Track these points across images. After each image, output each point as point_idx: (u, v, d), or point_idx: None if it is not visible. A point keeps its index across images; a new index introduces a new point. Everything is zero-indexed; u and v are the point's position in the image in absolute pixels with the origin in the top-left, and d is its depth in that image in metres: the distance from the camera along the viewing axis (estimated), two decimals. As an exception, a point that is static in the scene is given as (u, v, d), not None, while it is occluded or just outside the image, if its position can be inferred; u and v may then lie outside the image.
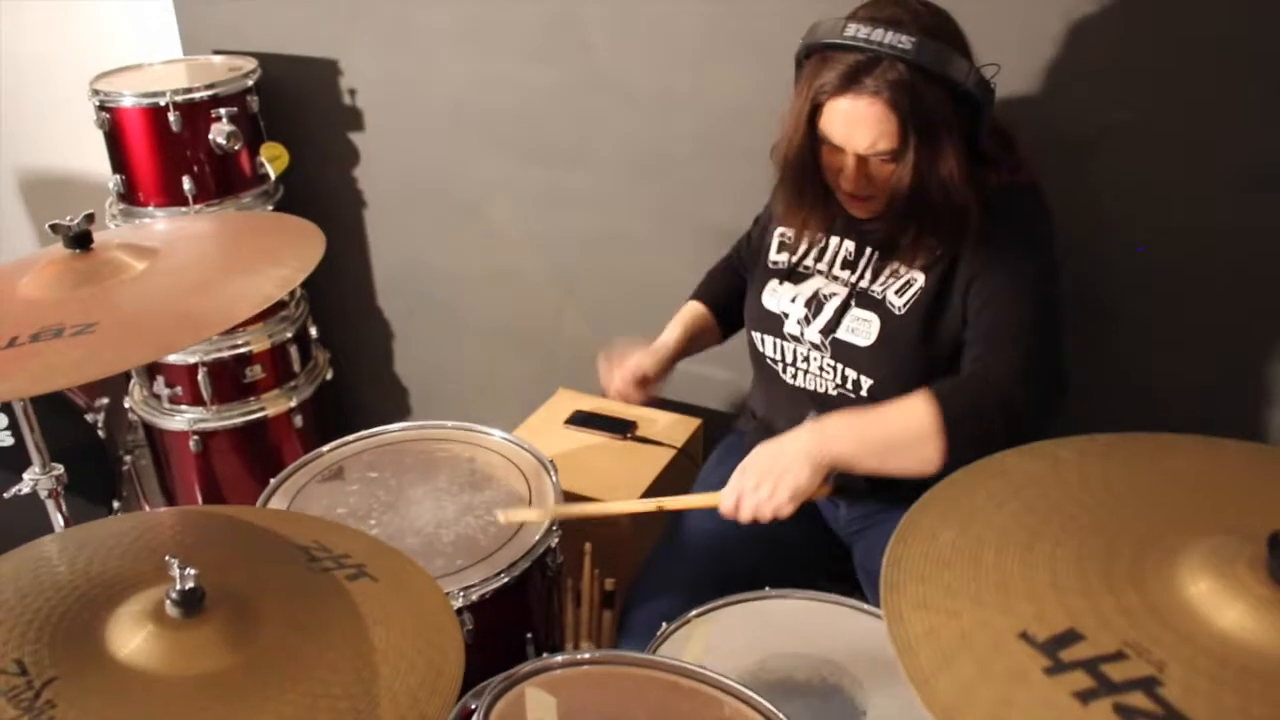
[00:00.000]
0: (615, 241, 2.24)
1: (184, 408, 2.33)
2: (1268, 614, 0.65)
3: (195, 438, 2.33)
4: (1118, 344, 1.82)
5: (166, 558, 1.10)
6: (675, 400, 2.26)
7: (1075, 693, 0.60)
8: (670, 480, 2.03)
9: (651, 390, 1.74)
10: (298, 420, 2.42)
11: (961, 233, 1.43)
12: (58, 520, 1.49)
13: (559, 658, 1.05)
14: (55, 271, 1.22)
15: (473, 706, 0.96)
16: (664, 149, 2.10)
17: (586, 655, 1.06)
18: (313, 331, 2.48)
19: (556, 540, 1.62)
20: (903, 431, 1.40)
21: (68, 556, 1.33)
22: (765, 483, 1.41)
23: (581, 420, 2.18)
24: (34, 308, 1.17)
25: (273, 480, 1.71)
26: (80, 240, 1.23)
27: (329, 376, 2.55)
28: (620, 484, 1.97)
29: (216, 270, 1.25)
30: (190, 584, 1.09)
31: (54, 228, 1.22)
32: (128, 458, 2.46)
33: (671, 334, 1.79)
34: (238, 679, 1.08)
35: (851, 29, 1.34)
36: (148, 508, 2.48)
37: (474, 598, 1.50)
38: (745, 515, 1.43)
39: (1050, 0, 1.66)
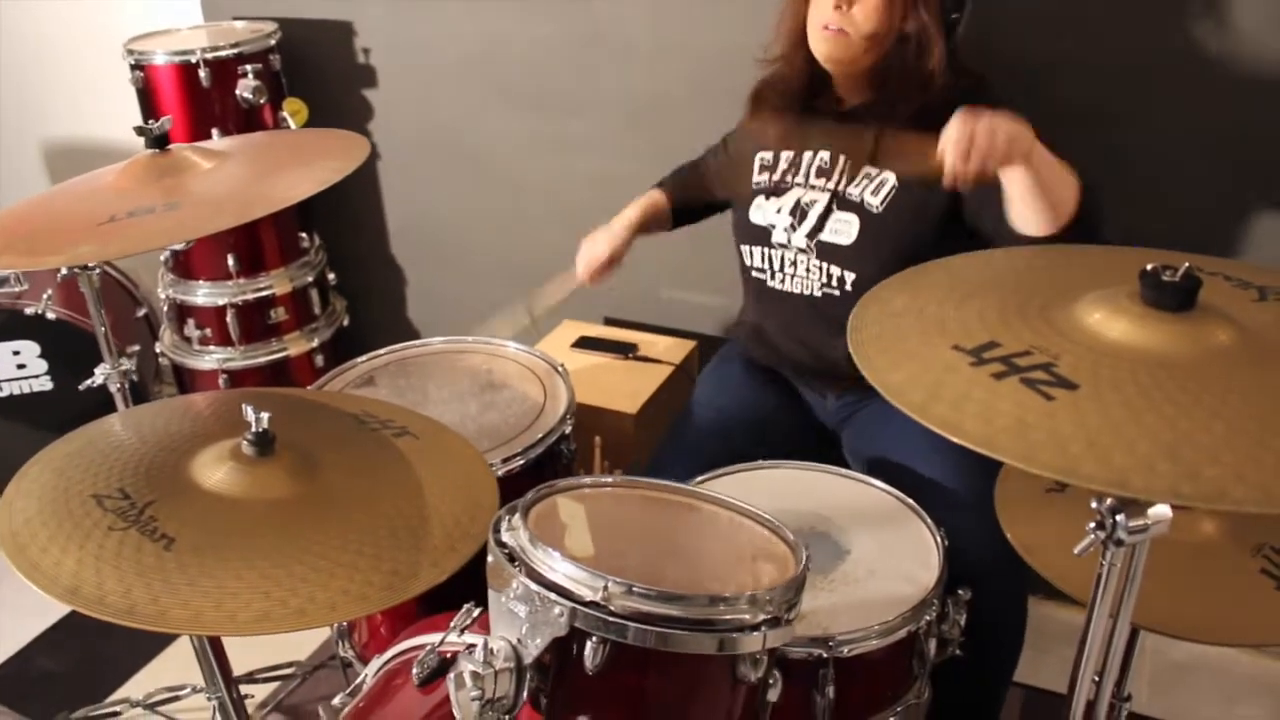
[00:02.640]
0: (616, 184, 2.40)
1: (213, 348, 2.50)
2: (1142, 325, 0.84)
3: (224, 376, 2.49)
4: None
5: (243, 405, 1.28)
6: (672, 327, 2.44)
7: (992, 374, 0.79)
8: (669, 393, 2.21)
9: (613, 268, 1.93)
10: (319, 360, 2.59)
11: (923, 93, 1.58)
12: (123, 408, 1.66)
13: (588, 478, 1.22)
14: (139, 167, 1.40)
15: (509, 512, 1.13)
16: (659, 94, 2.27)
17: (610, 478, 1.23)
18: (331, 278, 2.65)
19: (570, 428, 1.79)
20: (1064, 172, 1.44)
21: (135, 429, 1.50)
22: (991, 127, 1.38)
23: (587, 344, 2.35)
24: (125, 194, 1.34)
25: (310, 387, 1.88)
26: (160, 141, 1.41)
27: (345, 323, 2.72)
28: (623, 394, 2.15)
29: (276, 165, 1.42)
30: (264, 426, 1.27)
31: (139, 129, 1.40)
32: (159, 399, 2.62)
33: (629, 215, 1.98)
34: (307, 505, 1.26)
35: None
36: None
37: (501, 473, 1.67)
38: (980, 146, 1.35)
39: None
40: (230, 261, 2.41)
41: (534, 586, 1.01)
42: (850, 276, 1.70)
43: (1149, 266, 0.85)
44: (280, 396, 1.54)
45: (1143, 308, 0.85)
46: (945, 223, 1.65)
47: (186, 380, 2.58)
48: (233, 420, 1.33)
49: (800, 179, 1.76)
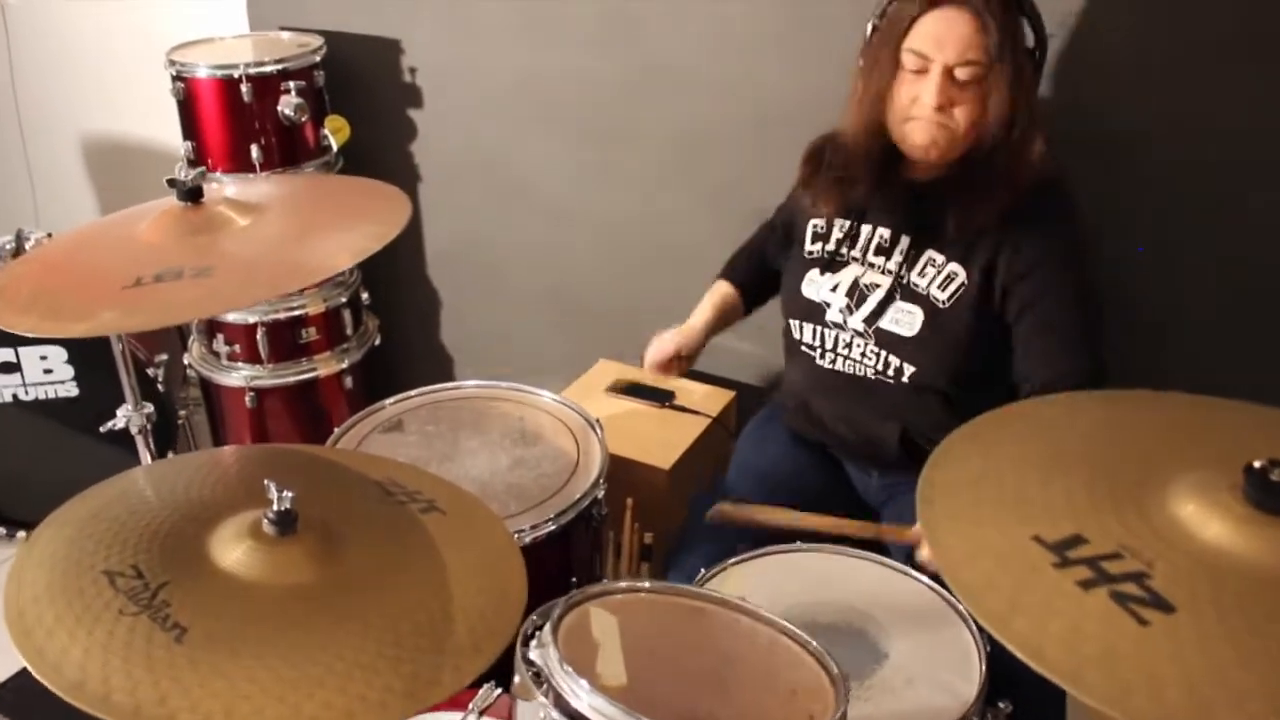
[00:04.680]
0: (660, 220, 2.35)
1: (241, 365, 2.45)
2: (1243, 529, 0.77)
3: (251, 394, 2.45)
4: (1118, 343, 1.91)
5: (265, 481, 1.22)
6: (710, 373, 2.37)
7: (1078, 582, 0.73)
8: (704, 448, 2.14)
9: (684, 366, 1.87)
10: (348, 381, 2.54)
11: (999, 201, 1.50)
12: (146, 456, 1.61)
13: (622, 583, 1.16)
14: (170, 221, 1.35)
15: (539, 620, 1.07)
16: (709, 130, 2.20)
17: (646, 584, 1.17)
18: (364, 297, 2.60)
19: (603, 493, 1.73)
20: None
21: (157, 486, 1.45)
22: None
23: (622, 388, 2.29)
24: (154, 252, 1.29)
25: (337, 429, 1.83)
26: (193, 194, 1.35)
27: (378, 342, 2.66)
28: (658, 447, 2.09)
29: (315, 225, 1.36)
30: (286, 505, 1.21)
31: (170, 182, 1.34)
32: (182, 412, 2.58)
33: (701, 315, 1.91)
34: (327, 592, 1.20)
35: None
36: (202, 460, 2.60)
37: (524, 541, 1.61)
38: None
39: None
40: (263, 280, 2.36)
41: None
42: (910, 369, 1.62)
43: (1256, 464, 0.78)
44: (305, 458, 1.48)
45: (1246, 508, 0.78)
46: (1002, 322, 1.58)
47: (213, 394, 2.54)
48: (258, 483, 1.28)
49: (858, 254, 1.68)
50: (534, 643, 1.03)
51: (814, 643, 1.14)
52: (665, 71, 2.19)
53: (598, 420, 1.86)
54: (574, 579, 1.72)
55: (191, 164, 2.32)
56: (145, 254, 1.28)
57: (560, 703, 0.97)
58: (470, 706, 1.43)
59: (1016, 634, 0.69)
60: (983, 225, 1.53)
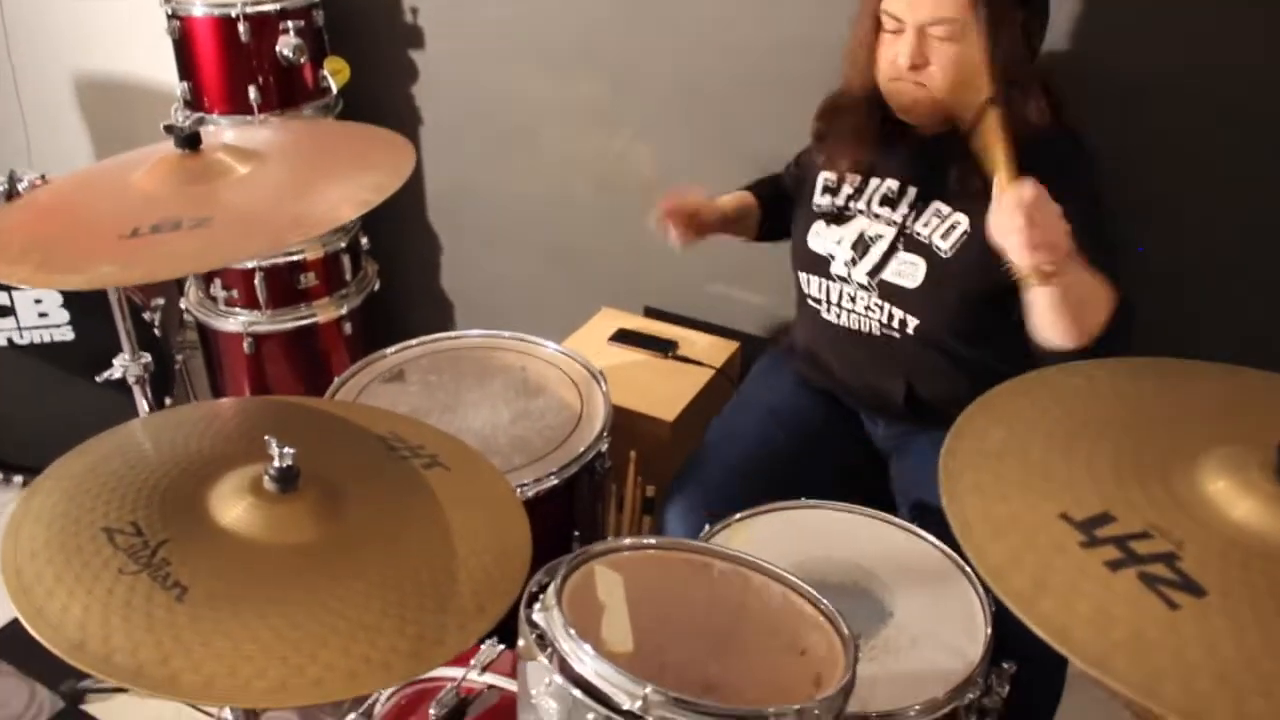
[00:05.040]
0: (663, 167, 2.30)
1: (239, 310, 2.42)
2: (1273, 506, 0.75)
3: (249, 339, 2.42)
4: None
5: (266, 437, 1.20)
6: (715, 324, 2.35)
7: (1106, 562, 0.71)
8: (708, 400, 2.12)
9: (693, 227, 1.75)
10: (347, 328, 2.51)
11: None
12: (143, 405, 1.59)
13: (627, 540, 1.14)
14: (167, 169, 1.31)
15: (543, 580, 1.05)
16: (716, 78, 2.15)
17: (652, 540, 1.15)
18: (364, 242, 2.56)
19: (606, 446, 1.72)
20: (1097, 290, 1.36)
21: (155, 439, 1.43)
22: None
23: (625, 338, 2.26)
24: (150, 202, 1.25)
25: (337, 379, 1.81)
26: (191, 141, 1.31)
27: (377, 287, 2.63)
28: (661, 399, 2.07)
29: (316, 174, 1.33)
30: (288, 462, 1.19)
31: (168, 128, 1.30)
32: (179, 357, 2.56)
33: (725, 199, 1.85)
34: (329, 550, 1.19)
35: None
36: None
37: (527, 495, 1.60)
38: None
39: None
40: (261, 224, 2.32)
41: (569, 687, 0.94)
42: (913, 321, 1.60)
43: None
44: (306, 411, 1.46)
45: (1277, 487, 0.76)
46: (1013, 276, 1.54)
47: (210, 339, 2.51)
48: (258, 437, 1.26)
49: (864, 205, 1.65)
50: (538, 604, 1.02)
51: (824, 601, 1.13)
52: (672, 18, 2.13)
53: (601, 371, 1.84)
54: (576, 532, 1.72)
55: (188, 105, 2.26)
56: (142, 203, 1.24)
57: (565, 667, 0.96)
58: (472, 663, 1.43)
59: (1042, 615, 0.67)
60: (984, 179, 1.49)
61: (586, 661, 0.95)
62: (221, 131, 1.43)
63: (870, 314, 1.64)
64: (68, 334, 2.41)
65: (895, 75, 1.51)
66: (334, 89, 2.32)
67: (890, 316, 1.62)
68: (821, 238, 1.68)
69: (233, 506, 1.19)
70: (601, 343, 2.26)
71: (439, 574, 1.18)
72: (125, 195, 1.27)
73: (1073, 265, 1.28)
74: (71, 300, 2.37)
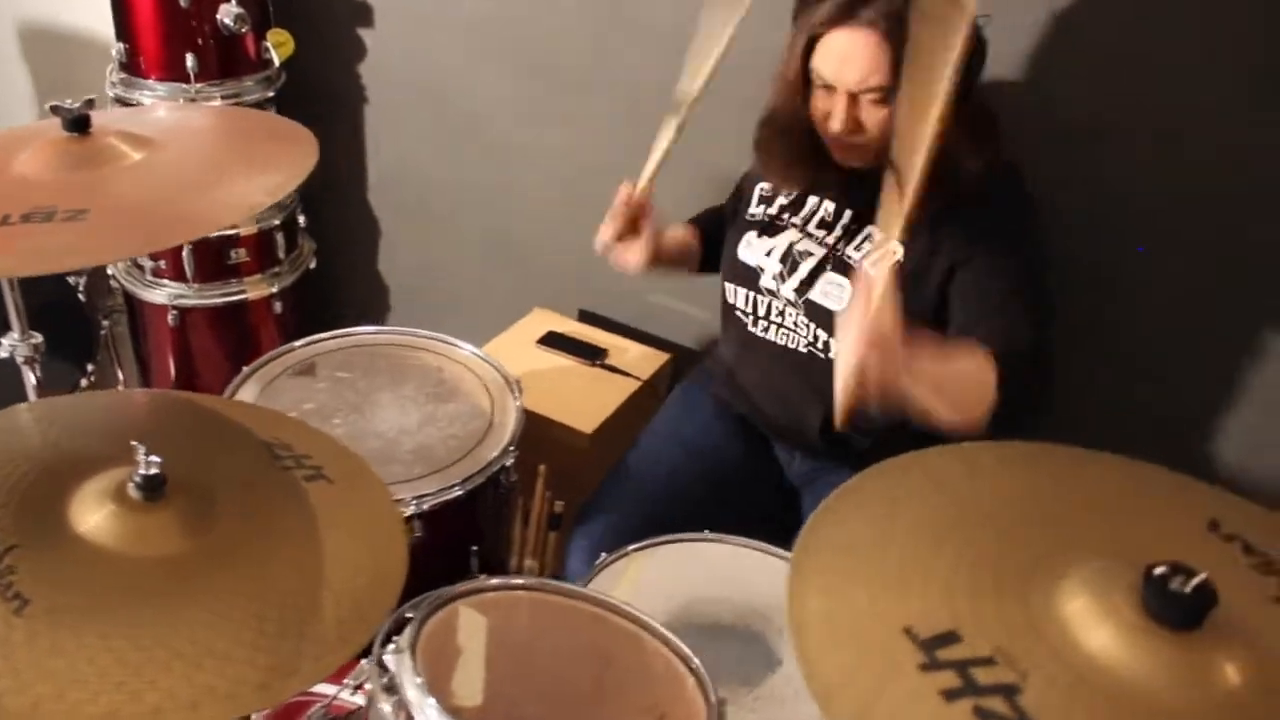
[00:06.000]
0: (609, 171, 2.23)
1: (166, 282, 2.35)
2: (1132, 639, 0.70)
3: (174, 312, 2.35)
4: (1111, 342, 1.85)
5: (133, 442, 1.15)
6: (648, 333, 2.31)
7: (942, 690, 0.66)
8: (632, 412, 2.09)
9: (637, 238, 1.67)
10: (277, 306, 2.45)
11: (937, 195, 1.44)
12: (30, 386, 1.53)
13: (494, 580, 1.10)
14: (52, 152, 1.24)
15: (408, 616, 1.02)
16: (668, 85, 2.10)
17: (520, 580, 1.12)
18: (301, 220, 2.49)
19: (512, 460, 1.68)
20: (970, 372, 1.35)
21: (40, 427, 1.38)
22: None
23: (554, 341, 2.22)
24: (27, 187, 1.19)
25: (245, 368, 1.75)
26: (79, 124, 1.24)
27: (312, 265, 2.56)
28: (583, 409, 2.03)
29: (210, 169, 1.27)
30: (153, 470, 1.14)
31: (54, 109, 1.24)
32: (105, 322, 2.49)
33: (672, 229, 1.81)
34: (190, 565, 1.14)
35: None
36: (120, 374, 2.52)
37: (425, 506, 1.56)
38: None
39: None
40: (191, 195, 2.25)
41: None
42: (835, 344, 1.57)
43: (1157, 570, 0.71)
44: (193, 410, 1.41)
45: (1139, 616, 0.71)
46: (942, 306, 1.52)
47: (136, 309, 2.44)
48: (140, 434, 1.20)
49: (798, 221, 1.62)
50: (392, 644, 0.98)
51: (695, 660, 1.10)
52: (631, 21, 2.08)
53: (518, 381, 1.79)
54: (474, 547, 1.68)
55: (124, 68, 2.19)
56: (19, 188, 1.18)
57: (410, 718, 0.92)
58: (346, 681, 1.39)
59: None
60: (918, 218, 1.47)
61: (430, 715, 0.91)
62: (120, 114, 1.36)
63: (797, 331, 1.62)
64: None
65: (828, 129, 1.49)
66: (276, 61, 2.25)
67: (815, 337, 1.59)
68: (752, 248, 1.65)
69: (93, 513, 1.14)
70: (529, 344, 2.22)
71: (303, 599, 1.13)
72: (3, 178, 1.21)
73: (918, 369, 1.23)
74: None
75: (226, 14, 2.11)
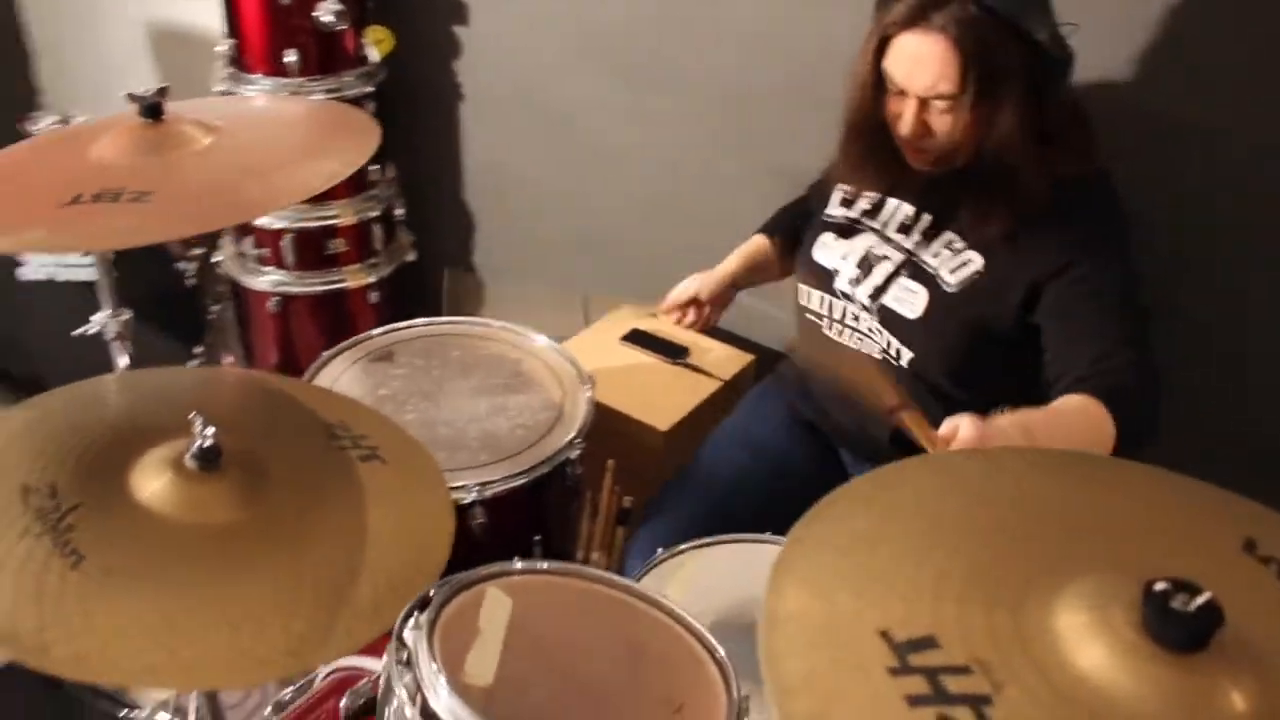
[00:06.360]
0: (694, 170, 2.25)
1: (269, 269, 2.44)
2: (1127, 659, 0.65)
3: (275, 299, 2.44)
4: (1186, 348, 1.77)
5: (191, 414, 1.20)
6: (735, 334, 2.29)
7: (908, 696, 0.63)
8: (710, 412, 2.07)
9: (706, 314, 1.79)
10: (373, 296, 2.52)
11: (1017, 206, 1.40)
12: (121, 362, 1.61)
13: (519, 564, 1.11)
14: (126, 137, 1.31)
15: (430, 596, 1.03)
16: (752, 86, 2.09)
17: (546, 565, 1.12)
18: (399, 213, 2.56)
19: (577, 454, 1.68)
20: (1085, 430, 1.29)
21: (120, 397, 1.44)
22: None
23: (637, 339, 2.22)
24: (101, 170, 1.25)
25: (325, 353, 1.80)
26: (152, 111, 1.31)
27: (410, 258, 2.63)
28: (660, 406, 2.02)
29: (271, 155, 1.31)
30: (209, 442, 1.18)
31: (131, 96, 1.30)
32: (215, 308, 2.60)
33: (729, 263, 1.83)
34: (239, 535, 1.17)
35: None
36: (228, 357, 2.63)
37: (488, 494, 1.57)
38: None
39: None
40: (293, 186, 2.33)
41: (417, 714, 0.92)
42: (908, 354, 1.53)
43: (1159, 585, 0.65)
44: (262, 388, 1.45)
45: (1138, 635, 0.66)
46: (1023, 324, 1.45)
47: (241, 295, 2.54)
48: (208, 408, 1.25)
49: (877, 225, 1.58)
50: (412, 621, 0.99)
51: (721, 650, 1.08)
52: (718, 21, 2.08)
53: (591, 375, 1.80)
54: (537, 537, 1.69)
55: (232, 63, 2.28)
56: (94, 170, 1.24)
57: (420, 693, 0.93)
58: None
59: None
60: (1000, 228, 1.42)
61: (439, 693, 0.92)
62: (196, 103, 1.42)
63: (870, 336, 1.58)
64: (91, 275, 2.46)
65: (899, 135, 1.46)
66: (374, 58, 2.31)
67: (888, 344, 1.55)
68: (828, 250, 1.62)
69: (152, 480, 1.19)
70: (613, 341, 2.22)
71: (342, 574, 1.16)
72: (82, 160, 1.28)
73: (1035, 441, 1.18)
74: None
75: (325, 11, 2.18)
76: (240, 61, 2.27)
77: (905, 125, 1.43)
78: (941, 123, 1.40)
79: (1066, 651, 0.64)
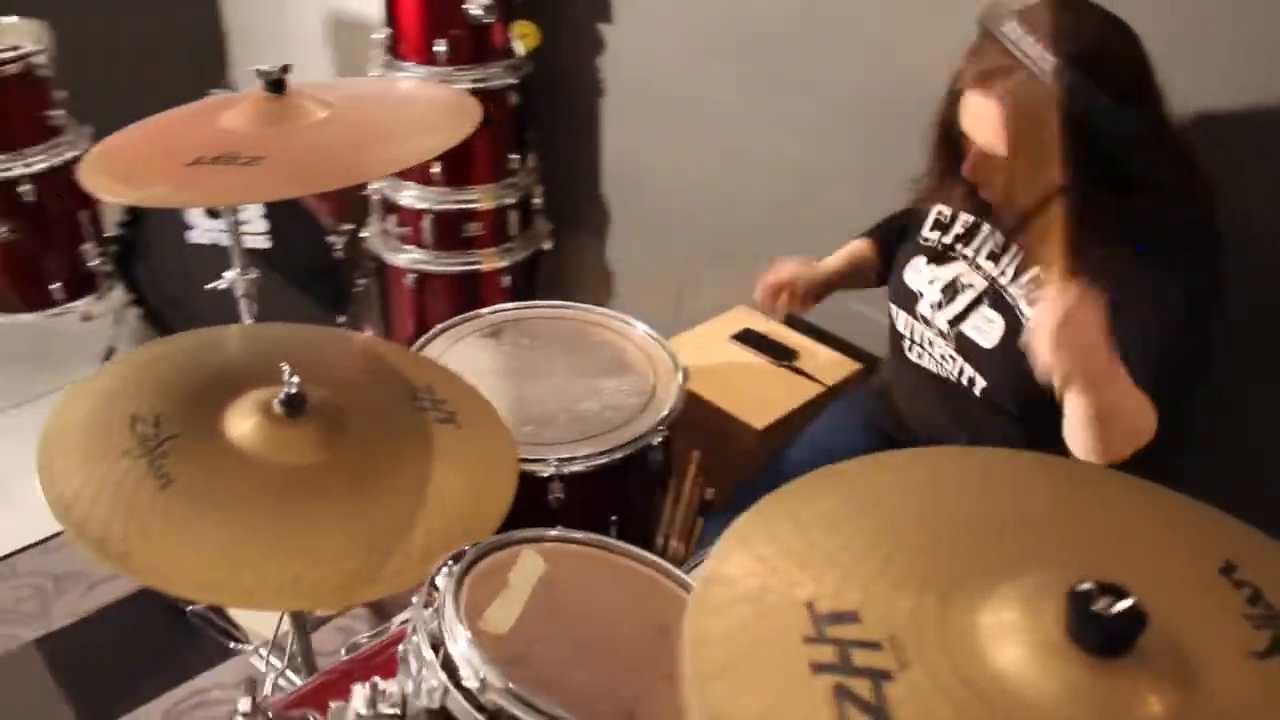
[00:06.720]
0: (822, 176, 2.25)
1: (409, 247, 2.58)
2: (1044, 657, 0.64)
3: (412, 275, 2.58)
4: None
5: (281, 364, 1.30)
6: (846, 340, 2.28)
7: (814, 663, 0.64)
8: (810, 414, 2.07)
9: (795, 305, 1.77)
10: (505, 280, 2.62)
11: (1101, 247, 1.36)
12: (246, 317, 1.75)
13: (553, 531, 1.16)
14: (252, 108, 1.44)
15: (467, 548, 1.09)
16: (886, 94, 2.07)
17: (580, 536, 1.16)
18: (536, 201, 2.65)
19: (659, 440, 1.72)
20: (1136, 414, 1.26)
21: (240, 345, 1.58)
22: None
23: (748, 338, 2.25)
24: (225, 135, 1.38)
25: (438, 325, 1.91)
26: (276, 85, 1.43)
27: (547, 246, 2.73)
28: (758, 405, 2.04)
29: (374, 130, 1.41)
30: (294, 390, 1.29)
31: (258, 72, 1.43)
32: (360, 280, 2.76)
33: (831, 260, 1.83)
34: (312, 477, 1.28)
35: (1009, 26, 1.29)
36: (368, 328, 2.80)
37: (566, 470, 1.63)
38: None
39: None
40: (435, 169, 2.46)
41: (426, 652, 0.98)
42: (981, 382, 1.50)
43: (1082, 586, 0.64)
44: (362, 350, 1.56)
45: (1061, 635, 0.64)
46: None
47: (383, 271, 2.69)
48: (313, 363, 1.35)
49: (969, 251, 1.55)
50: (445, 569, 1.06)
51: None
52: (852, 32, 2.08)
53: (685, 367, 1.84)
54: (614, 517, 1.74)
55: (388, 51, 2.42)
56: (220, 135, 1.37)
57: (435, 627, 1.00)
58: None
59: (710, 698, 0.62)
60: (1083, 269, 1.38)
61: (456, 632, 0.98)
62: (322, 82, 1.53)
63: (944, 362, 1.56)
64: (264, 243, 2.66)
65: (963, 172, 1.45)
66: (520, 51, 2.41)
67: (961, 371, 1.53)
68: (919, 273, 1.61)
69: (244, 420, 1.30)
70: (723, 339, 2.25)
71: (400, 522, 1.25)
72: (212, 127, 1.41)
73: (1108, 384, 1.18)
74: (271, 213, 2.60)
75: (475, 4, 2.29)
76: (395, 49, 2.41)
77: (965, 167, 1.43)
78: (997, 177, 1.40)
79: (985, 642, 0.64)
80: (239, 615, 2.07)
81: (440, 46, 2.33)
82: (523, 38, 2.39)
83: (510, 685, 0.92)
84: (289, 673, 1.71)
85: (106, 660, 2.04)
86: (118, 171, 1.30)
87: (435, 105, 1.52)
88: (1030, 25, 1.29)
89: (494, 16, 2.32)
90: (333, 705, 1.01)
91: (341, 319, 2.74)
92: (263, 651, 1.90)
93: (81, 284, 2.67)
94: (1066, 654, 0.62)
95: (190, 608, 2.02)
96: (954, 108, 1.43)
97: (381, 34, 2.42)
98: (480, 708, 0.93)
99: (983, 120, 1.36)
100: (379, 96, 1.57)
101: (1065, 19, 1.30)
